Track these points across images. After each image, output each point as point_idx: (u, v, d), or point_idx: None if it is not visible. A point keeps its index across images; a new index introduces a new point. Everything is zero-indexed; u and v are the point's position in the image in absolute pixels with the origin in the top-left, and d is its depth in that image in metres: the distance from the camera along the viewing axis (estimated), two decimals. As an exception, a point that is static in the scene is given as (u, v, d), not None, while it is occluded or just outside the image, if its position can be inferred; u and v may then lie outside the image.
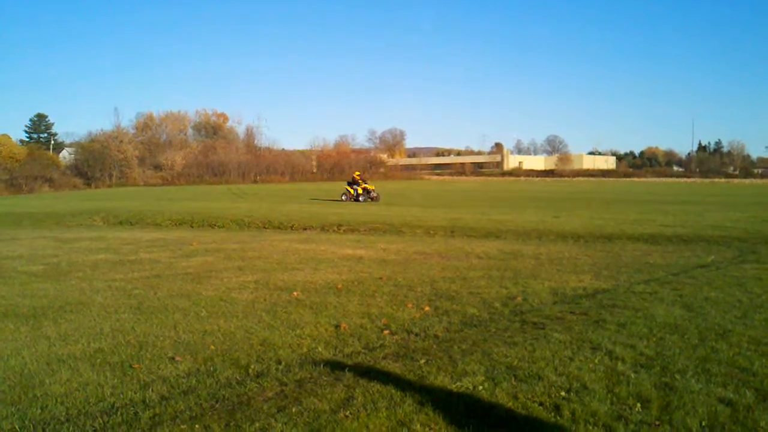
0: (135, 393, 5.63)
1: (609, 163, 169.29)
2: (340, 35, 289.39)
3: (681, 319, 8.18)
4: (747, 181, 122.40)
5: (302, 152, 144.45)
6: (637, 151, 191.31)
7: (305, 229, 22.96)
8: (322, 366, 6.31)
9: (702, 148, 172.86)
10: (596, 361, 6.40)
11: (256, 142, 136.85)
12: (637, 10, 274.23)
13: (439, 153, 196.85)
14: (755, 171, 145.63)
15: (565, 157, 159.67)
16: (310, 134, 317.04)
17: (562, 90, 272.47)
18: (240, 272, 12.38)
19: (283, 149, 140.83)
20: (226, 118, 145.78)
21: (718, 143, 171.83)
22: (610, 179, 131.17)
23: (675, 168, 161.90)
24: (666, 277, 11.75)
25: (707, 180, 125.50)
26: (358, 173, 46.88)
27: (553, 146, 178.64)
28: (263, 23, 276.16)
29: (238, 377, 6.05)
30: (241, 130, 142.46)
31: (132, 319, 8.46)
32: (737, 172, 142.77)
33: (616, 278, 11.73)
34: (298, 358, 6.67)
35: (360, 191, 43.27)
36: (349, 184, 44.45)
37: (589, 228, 22.03)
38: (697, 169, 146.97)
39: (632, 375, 5.96)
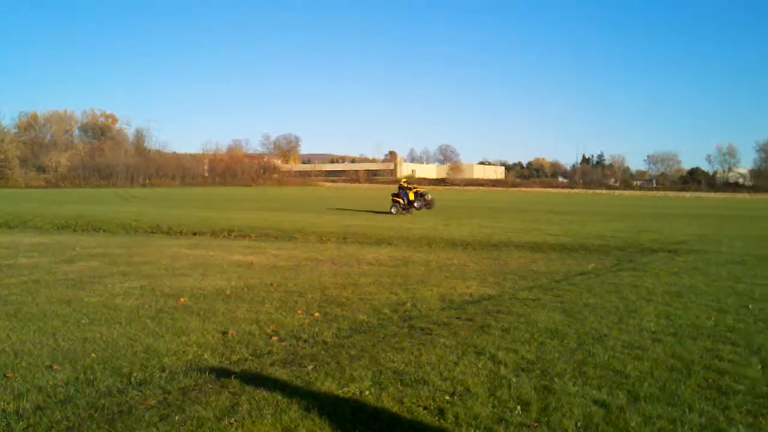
0: (8, 403, 5.39)
1: (498, 173, 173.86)
2: (235, 37, 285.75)
3: (561, 325, 8.51)
4: (627, 192, 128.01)
5: (194, 156, 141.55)
6: (525, 162, 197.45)
7: (195, 234, 22.50)
8: (207, 373, 6.21)
9: (585, 161, 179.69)
10: (480, 365, 6.58)
11: (146, 144, 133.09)
12: (525, 27, 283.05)
13: (334, 160, 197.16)
14: (634, 183, 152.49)
15: (456, 167, 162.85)
16: (203, 138, 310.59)
17: (456, 100, 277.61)
18: (125, 278, 12.03)
19: (174, 152, 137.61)
20: (115, 120, 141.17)
21: (601, 156, 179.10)
22: (499, 189, 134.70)
23: (560, 179, 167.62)
24: (549, 284, 12.18)
25: (590, 191, 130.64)
26: (404, 179, 40.81)
27: (446, 155, 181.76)
28: (154, 22, 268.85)
29: (119, 386, 5.89)
30: (130, 132, 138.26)
31: (7, 326, 8.09)
32: (618, 184, 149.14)
33: (501, 285, 12.06)
34: (184, 365, 6.55)
35: (411, 197, 37.02)
36: (397, 194, 37.74)
37: (477, 236, 22.53)
38: (581, 181, 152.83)
39: (514, 379, 6.16)
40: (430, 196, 37.99)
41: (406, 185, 37.65)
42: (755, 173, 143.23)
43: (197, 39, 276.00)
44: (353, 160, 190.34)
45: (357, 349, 7.20)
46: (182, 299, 9.94)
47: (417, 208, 36.92)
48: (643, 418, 5.26)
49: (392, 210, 37.16)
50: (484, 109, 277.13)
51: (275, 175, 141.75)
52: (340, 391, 5.72)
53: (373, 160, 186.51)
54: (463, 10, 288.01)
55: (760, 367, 6.80)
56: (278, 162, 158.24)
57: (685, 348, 7.46)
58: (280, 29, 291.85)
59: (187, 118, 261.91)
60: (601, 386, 6.02)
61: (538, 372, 6.41)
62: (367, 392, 5.71)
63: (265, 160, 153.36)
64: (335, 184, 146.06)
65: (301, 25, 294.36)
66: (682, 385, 6.09)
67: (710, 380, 6.29)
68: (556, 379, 6.16)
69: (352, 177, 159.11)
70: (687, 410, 5.45)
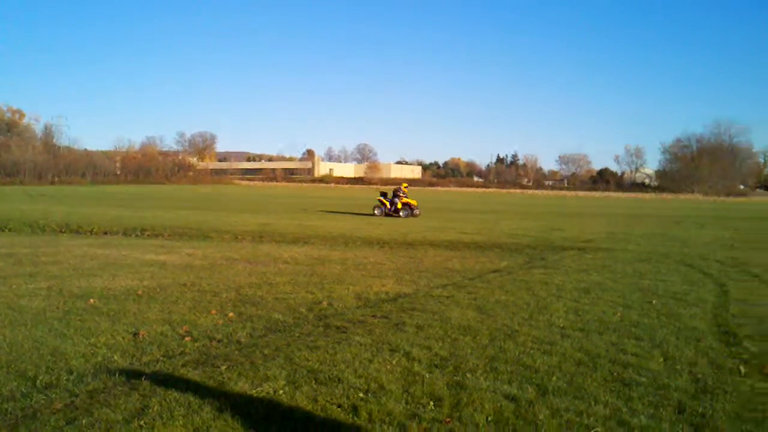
0: None
1: (415, 172, 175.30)
2: (148, 32, 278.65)
3: (474, 321, 8.67)
4: (539, 192, 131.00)
5: (106, 153, 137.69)
6: (441, 162, 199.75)
7: (106, 233, 21.92)
8: (117, 375, 6.07)
9: (500, 161, 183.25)
10: (394, 362, 6.64)
11: (55, 141, 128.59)
12: (439, 27, 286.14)
13: (251, 158, 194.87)
14: (546, 183, 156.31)
15: (374, 166, 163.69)
16: (115, 135, 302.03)
17: (374, 100, 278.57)
18: (31, 278, 11.63)
19: (85, 150, 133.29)
20: (22, 115, 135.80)
21: (515, 156, 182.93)
22: (416, 188, 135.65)
23: (476, 178, 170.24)
24: (463, 282, 12.37)
25: (504, 190, 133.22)
26: (405, 185, 38.52)
27: (363, 154, 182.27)
28: (64, 14, 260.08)
29: (23, 389, 5.69)
30: (38, 128, 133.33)
31: None
32: (531, 184, 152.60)
33: (416, 283, 12.18)
34: (92, 367, 6.38)
35: (399, 206, 35.90)
36: (384, 194, 37.40)
37: (393, 234, 22.71)
38: (496, 180, 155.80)
39: (427, 375, 6.24)
40: (418, 211, 36.73)
41: (401, 192, 36.44)
42: (660, 174, 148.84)
43: (110, 33, 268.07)
44: (270, 159, 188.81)
45: (272, 348, 7.16)
46: (91, 300, 9.68)
47: (402, 216, 35.45)
48: (551, 411, 5.41)
49: (375, 211, 36.74)
50: (401, 108, 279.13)
51: (190, 174, 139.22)
52: (254, 391, 5.68)
53: (291, 159, 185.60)
54: (381, 8, 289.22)
55: (662, 359, 7.09)
56: (193, 160, 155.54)
57: (592, 342, 7.71)
58: (195, 25, 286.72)
59: (98, 114, 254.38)
60: (511, 381, 6.16)
61: (451, 368, 6.51)
62: (281, 391, 5.69)
63: (180, 158, 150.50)
64: (252, 183, 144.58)
65: (216, 20, 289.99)
66: (589, 379, 6.30)
67: (615, 373, 6.52)
68: (468, 375, 6.28)
69: (269, 175, 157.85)
70: (593, 402, 5.63)
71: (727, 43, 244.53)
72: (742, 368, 6.83)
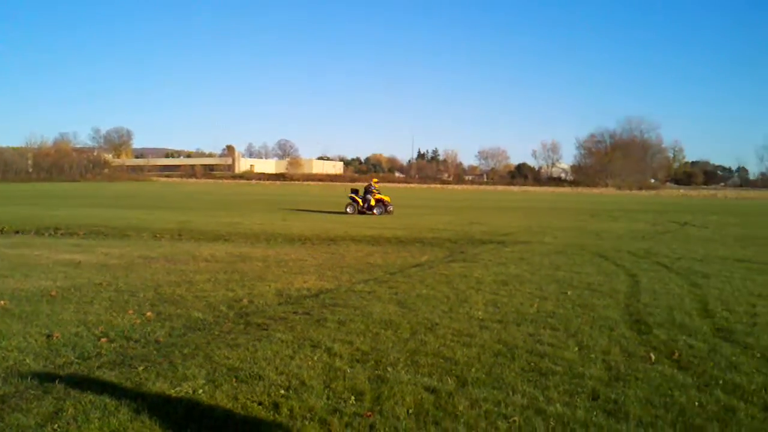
0: None
1: (337, 168, 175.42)
2: (58, 25, 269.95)
3: (395, 315, 8.74)
4: (459, 186, 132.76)
5: (17, 150, 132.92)
6: (363, 158, 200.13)
7: (17, 232, 21.17)
8: (29, 379, 5.88)
9: (421, 156, 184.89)
10: (315, 358, 6.64)
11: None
12: (362, 24, 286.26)
13: (169, 154, 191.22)
14: (467, 178, 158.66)
15: (295, 162, 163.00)
16: (27, 130, 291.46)
17: (295, 95, 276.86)
18: (-64, 281, 11.15)
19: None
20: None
21: (435, 152, 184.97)
22: (338, 184, 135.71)
23: (397, 174, 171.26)
24: (384, 276, 12.45)
25: (425, 185, 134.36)
26: (376, 180, 38.31)
27: (285, 150, 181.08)
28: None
29: (-72, 397, 5.46)
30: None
31: None
32: (451, 179, 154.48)
33: (338, 278, 12.19)
34: (3, 372, 6.16)
35: (373, 202, 34.87)
36: (355, 191, 36.10)
37: (316, 230, 22.65)
38: (417, 175, 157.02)
39: (348, 370, 6.27)
40: (392, 207, 35.57)
41: (373, 188, 35.52)
42: (576, 168, 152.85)
43: (18, 26, 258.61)
44: (189, 155, 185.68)
45: (191, 347, 7.06)
46: (2, 302, 9.33)
47: (376, 213, 34.47)
48: (470, 401, 5.51)
49: (348, 209, 35.55)
50: (323, 104, 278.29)
51: (106, 170, 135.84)
52: (173, 391, 5.60)
53: (210, 155, 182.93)
54: (301, 2, 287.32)
55: (576, 349, 7.29)
56: (109, 156, 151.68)
57: (510, 334, 7.88)
58: (109, 16, 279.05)
59: (9, 109, 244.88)
60: (432, 373, 6.24)
61: (373, 362, 6.55)
62: (201, 390, 5.62)
63: (95, 154, 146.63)
64: (170, 179, 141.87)
65: (131, 11, 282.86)
66: (507, 369, 6.44)
67: (532, 363, 6.68)
68: (389, 369, 6.33)
69: (188, 172, 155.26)
70: (511, 392, 5.76)
71: (638, 41, 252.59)
72: (652, 355, 7.09)
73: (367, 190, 35.25)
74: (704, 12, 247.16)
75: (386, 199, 35.42)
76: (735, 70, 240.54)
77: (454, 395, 5.64)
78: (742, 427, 5.14)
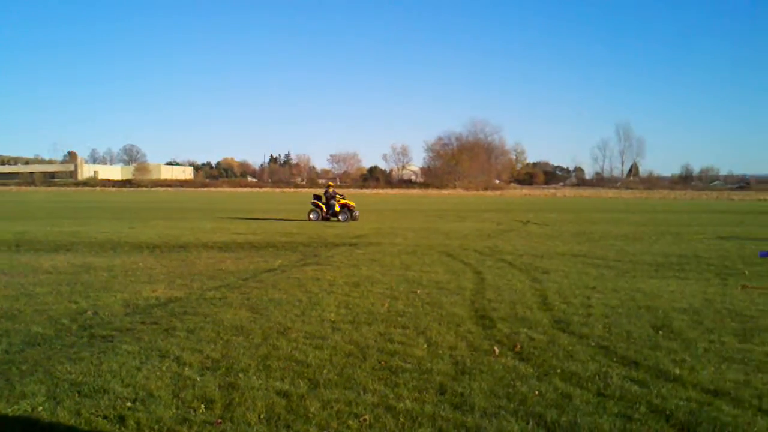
0: None
1: (187, 173, 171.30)
2: None
3: (247, 321, 8.68)
4: (312, 190, 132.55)
5: None
6: (214, 162, 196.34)
7: None
8: None
9: (273, 160, 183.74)
10: (164, 368, 6.49)
11: None
12: (204, 28, 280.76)
13: (5, 161, 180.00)
14: (320, 181, 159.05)
15: (143, 167, 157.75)
16: None
17: (141, 99, 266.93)
18: None
19: None
20: None
21: (288, 156, 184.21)
22: (189, 189, 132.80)
23: (250, 178, 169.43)
24: (236, 282, 12.30)
25: (278, 190, 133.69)
26: (331, 183, 36.11)
27: (131, 156, 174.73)
28: None
29: None
30: None
31: None
32: (304, 182, 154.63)
33: (189, 286, 11.93)
34: None
35: (337, 208, 32.74)
36: (318, 197, 33.83)
37: (165, 238, 22.03)
38: (270, 180, 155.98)
39: (198, 378, 6.17)
40: (357, 213, 33.79)
41: (333, 191, 33.60)
42: (425, 170, 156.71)
43: None
44: (27, 162, 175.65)
45: (30, 363, 6.70)
46: None
47: (341, 220, 32.50)
48: (322, 403, 5.57)
49: (311, 216, 33.44)
50: (172, 108, 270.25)
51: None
52: (10, 410, 5.31)
53: (51, 162, 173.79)
54: (145, 5, 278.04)
55: (425, 346, 7.51)
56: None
57: (361, 334, 8.01)
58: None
59: None
60: (284, 377, 6.25)
61: (224, 369, 6.48)
62: (41, 407, 5.36)
63: None
64: (7, 188, 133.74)
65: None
66: (358, 369, 6.55)
67: (383, 362, 6.83)
68: (240, 375, 6.29)
69: (27, 180, 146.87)
70: (362, 391, 5.87)
71: (480, 46, 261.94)
72: (496, 348, 7.41)
73: (331, 196, 33.29)
74: (542, 15, 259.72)
75: (351, 204, 33.62)
76: (570, 75, 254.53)
77: (306, 398, 5.68)
78: (578, 411, 5.48)
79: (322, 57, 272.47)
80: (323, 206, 33.21)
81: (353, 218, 33.07)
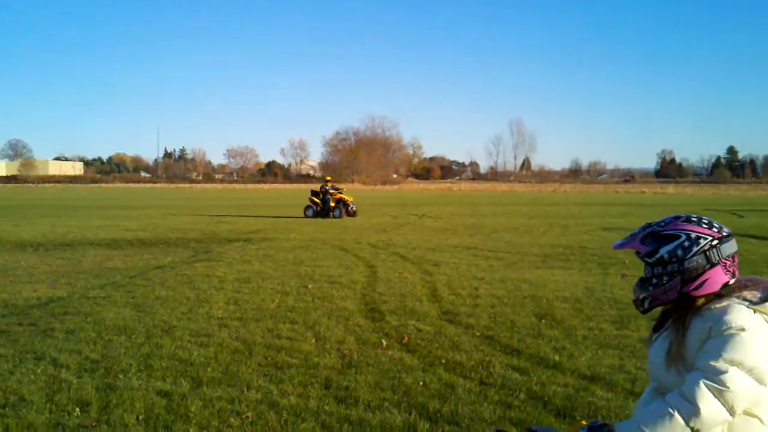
0: None
1: (77, 169, 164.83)
2: None
3: (131, 320, 8.45)
4: (209, 185, 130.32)
5: None
6: (105, 157, 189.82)
7: None
8: None
9: (168, 155, 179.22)
10: (38, 371, 6.25)
11: None
12: (86, 17, 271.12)
13: None
14: (216, 176, 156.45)
15: (28, 163, 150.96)
16: None
17: (27, 92, 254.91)
18: None
19: None
20: None
21: (183, 150, 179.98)
22: (78, 185, 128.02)
23: (143, 174, 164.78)
24: (123, 280, 11.96)
25: (173, 185, 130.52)
26: (329, 177, 33.49)
27: (16, 151, 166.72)
28: None
29: None
30: None
31: None
32: (200, 177, 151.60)
33: (73, 285, 11.52)
34: None
35: (333, 203, 30.77)
36: (315, 193, 31.79)
37: (49, 236, 21.17)
38: (164, 175, 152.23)
39: (75, 381, 5.97)
40: (354, 207, 31.67)
41: (329, 187, 31.49)
42: (324, 165, 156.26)
43: None
44: None
45: None
46: None
47: (335, 216, 30.57)
48: (204, 401, 5.48)
49: (307, 212, 31.63)
50: (60, 101, 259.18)
51: None
52: None
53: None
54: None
55: (314, 340, 7.51)
56: None
57: (249, 330, 7.94)
58: None
59: None
60: (165, 377, 6.13)
61: (102, 371, 6.30)
62: None
63: None
64: None
65: None
66: (243, 366, 6.48)
67: (269, 358, 6.78)
68: (120, 376, 6.12)
69: None
70: (246, 389, 5.81)
71: (377, 40, 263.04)
72: (384, 341, 7.48)
73: (326, 191, 31.44)
74: (438, 12, 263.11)
75: (348, 198, 31.69)
76: (465, 71, 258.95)
77: (188, 397, 5.58)
78: (460, 401, 5.59)
79: (216, 48, 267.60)
80: (319, 201, 31.37)
81: (349, 213, 31.25)
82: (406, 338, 7.63)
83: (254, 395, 5.65)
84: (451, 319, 8.69)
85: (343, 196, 31.59)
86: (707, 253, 2.25)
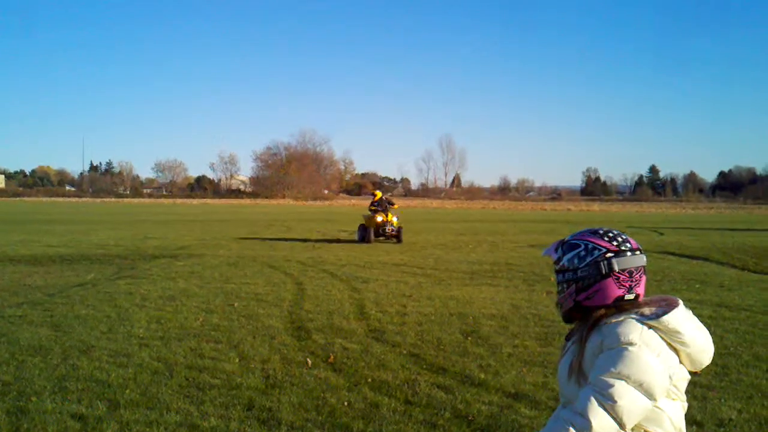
0: None
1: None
2: None
3: (47, 340, 8.17)
4: (136, 200, 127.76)
5: None
6: (28, 170, 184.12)
7: None
8: None
9: (94, 168, 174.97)
10: (-57, 396, 5.96)
11: None
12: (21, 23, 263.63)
13: None
14: (144, 191, 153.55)
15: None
16: None
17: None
18: None
19: None
20: None
21: (110, 164, 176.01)
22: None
23: (68, 188, 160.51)
24: (41, 299, 11.56)
25: (99, 199, 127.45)
26: (379, 192, 27.38)
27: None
28: None
29: None
30: None
31: None
32: (128, 192, 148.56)
33: (-15, 304, 11.09)
34: None
35: (384, 220, 25.23)
36: (375, 210, 25.78)
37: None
38: (90, 189, 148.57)
39: (-16, 404, 5.71)
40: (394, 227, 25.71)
41: (381, 200, 26.25)
42: (254, 180, 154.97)
43: None
44: None
45: None
46: None
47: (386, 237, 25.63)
48: (121, 425, 5.32)
49: (366, 234, 25.29)
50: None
51: None
52: None
53: None
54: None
55: (237, 360, 7.38)
56: None
57: (171, 350, 7.75)
58: None
59: None
60: (81, 399, 5.92)
61: (15, 393, 6.05)
62: None
63: None
64: None
65: None
66: (164, 387, 6.32)
67: (191, 379, 6.63)
68: (33, 399, 5.89)
69: None
70: (165, 411, 5.66)
71: (307, 54, 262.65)
72: (309, 360, 7.40)
73: (377, 205, 26.12)
74: (366, 25, 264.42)
75: (392, 219, 25.67)
76: (396, 85, 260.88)
77: (104, 420, 5.41)
78: (384, 420, 5.55)
79: (142, 59, 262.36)
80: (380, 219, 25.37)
81: (392, 237, 25.77)
82: (332, 357, 7.57)
83: (174, 417, 5.51)
84: (378, 337, 8.66)
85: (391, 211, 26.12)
86: (600, 264, 2.31)
